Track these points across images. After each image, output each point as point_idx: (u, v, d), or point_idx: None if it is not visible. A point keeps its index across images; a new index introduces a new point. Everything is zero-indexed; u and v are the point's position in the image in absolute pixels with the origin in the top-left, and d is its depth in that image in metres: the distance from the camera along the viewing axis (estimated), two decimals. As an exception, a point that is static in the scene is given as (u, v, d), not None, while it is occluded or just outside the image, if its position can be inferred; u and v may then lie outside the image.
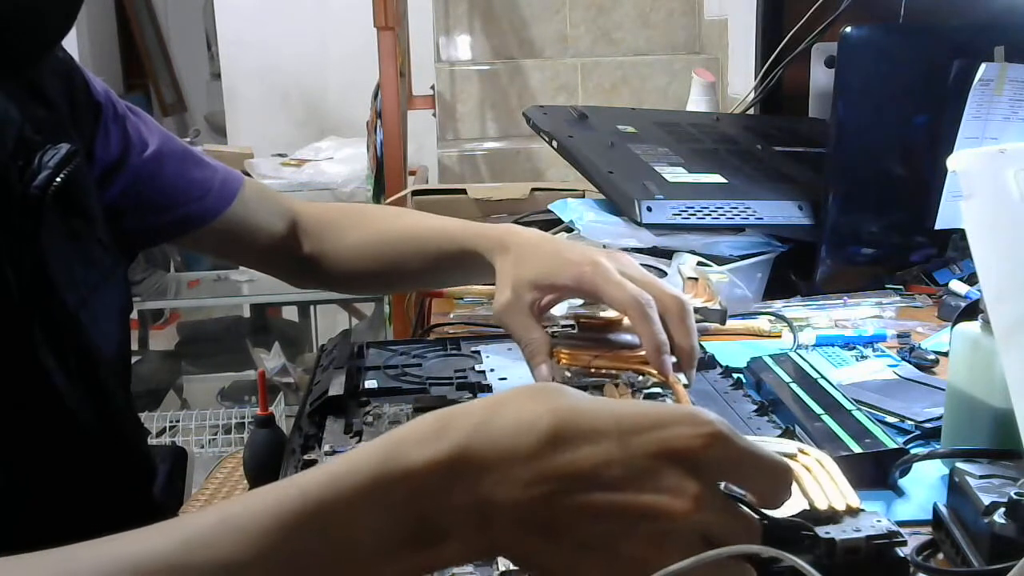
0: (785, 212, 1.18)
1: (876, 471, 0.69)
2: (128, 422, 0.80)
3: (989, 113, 1.11)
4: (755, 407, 0.78)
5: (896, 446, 0.70)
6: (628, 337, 0.83)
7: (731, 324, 1.01)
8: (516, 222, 1.15)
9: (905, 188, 1.17)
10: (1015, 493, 0.55)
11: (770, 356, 0.87)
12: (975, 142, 1.11)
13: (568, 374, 0.81)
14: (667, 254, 1.12)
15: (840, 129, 1.12)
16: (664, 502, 0.42)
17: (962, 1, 1.38)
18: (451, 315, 1.13)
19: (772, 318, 1.06)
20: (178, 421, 2.65)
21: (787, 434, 0.71)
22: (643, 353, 0.77)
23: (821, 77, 1.59)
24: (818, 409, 0.76)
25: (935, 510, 0.61)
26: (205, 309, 3.50)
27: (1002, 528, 0.55)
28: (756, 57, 1.85)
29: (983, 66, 1.09)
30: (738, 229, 1.16)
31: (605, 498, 0.42)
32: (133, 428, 0.81)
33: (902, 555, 0.54)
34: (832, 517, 0.55)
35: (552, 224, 1.26)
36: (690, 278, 1.04)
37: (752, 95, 1.78)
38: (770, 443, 0.64)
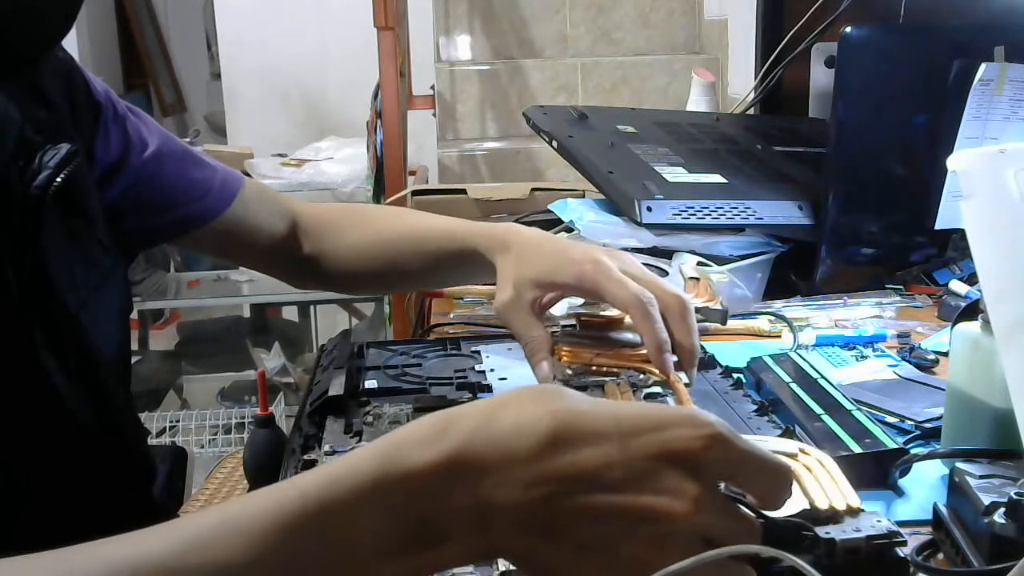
0: (785, 212, 1.18)
1: (876, 471, 0.69)
2: (128, 422, 0.80)
3: (989, 113, 1.11)
4: (755, 407, 0.78)
5: (896, 446, 0.70)
6: (629, 336, 0.83)
7: (731, 324, 1.01)
8: (516, 222, 1.15)
9: (905, 188, 1.17)
10: (1015, 493, 0.55)
11: (770, 356, 0.87)
12: (975, 142, 1.11)
13: (569, 372, 0.81)
14: (667, 254, 1.12)
15: (840, 129, 1.12)
16: (664, 503, 0.42)
17: (962, 1, 1.38)
18: (451, 315, 1.13)
19: (772, 318, 1.06)
20: (178, 421, 2.65)
21: (787, 434, 0.71)
22: (644, 352, 0.77)
23: (821, 77, 1.59)
24: (818, 409, 0.76)
25: (935, 510, 0.61)
26: (205, 309, 3.50)
27: (1002, 528, 0.55)
28: (756, 57, 1.85)
29: (983, 66, 1.09)
30: (738, 229, 1.16)
31: (605, 499, 0.42)
32: (133, 428, 0.81)
33: (902, 555, 0.55)
34: (832, 517, 0.55)
35: (552, 224, 1.26)
36: (691, 278, 1.04)
37: (752, 95, 1.78)
38: (771, 443, 0.64)
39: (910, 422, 0.79)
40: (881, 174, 1.16)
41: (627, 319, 0.82)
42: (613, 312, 0.84)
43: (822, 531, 0.54)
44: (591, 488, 0.42)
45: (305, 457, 0.70)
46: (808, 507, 0.55)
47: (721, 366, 0.87)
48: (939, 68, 1.12)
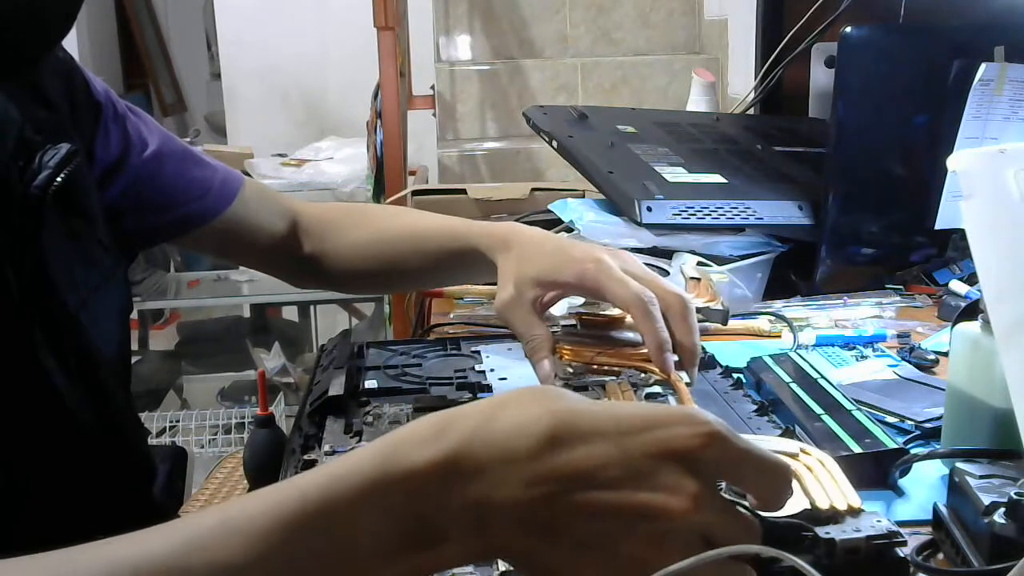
0: (785, 212, 1.18)
1: (876, 471, 0.69)
2: (128, 422, 0.80)
3: (989, 113, 1.11)
4: (755, 407, 0.78)
5: (896, 446, 0.70)
6: (630, 335, 0.83)
7: (731, 324, 1.01)
8: (517, 222, 1.15)
9: (905, 188, 1.17)
10: (1015, 493, 0.55)
11: (770, 356, 0.87)
12: (975, 142, 1.11)
13: (570, 370, 0.81)
14: (667, 254, 1.12)
15: (840, 129, 1.12)
16: (662, 500, 0.42)
17: (962, 1, 1.38)
18: (451, 315, 1.13)
19: (772, 318, 1.06)
20: (178, 421, 2.66)
21: (787, 434, 0.71)
22: (645, 351, 0.77)
23: (821, 77, 1.59)
24: (818, 409, 0.76)
25: (935, 510, 0.61)
26: (205, 309, 3.50)
27: (1002, 528, 0.55)
28: (756, 57, 1.85)
29: (983, 66, 1.09)
30: (738, 229, 1.16)
31: (604, 497, 0.42)
32: (133, 428, 0.81)
33: (902, 555, 0.54)
34: (833, 517, 0.55)
35: (552, 224, 1.26)
36: (692, 278, 1.04)
37: (752, 95, 1.78)
38: (771, 443, 0.64)
39: (910, 422, 0.79)
40: (881, 174, 1.16)
41: (628, 318, 0.82)
42: (614, 311, 0.84)
43: (822, 531, 0.54)
44: (590, 486, 0.42)
45: (305, 457, 0.70)
46: (809, 507, 0.55)
47: (721, 366, 0.87)
48: (939, 68, 1.12)
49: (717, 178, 1.25)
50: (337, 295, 2.83)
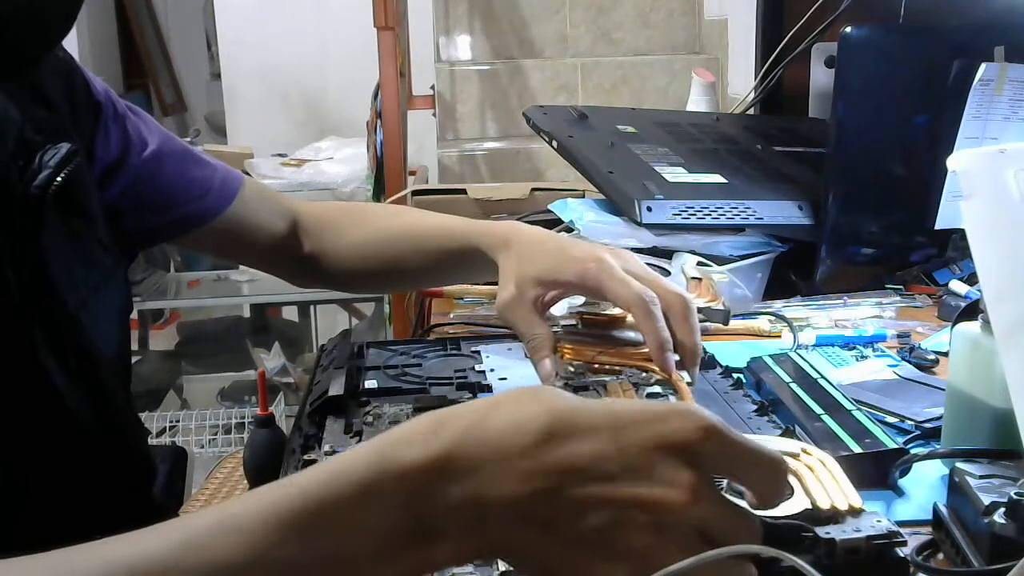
0: (785, 212, 1.18)
1: (876, 471, 0.69)
2: (128, 422, 0.80)
3: (989, 113, 1.11)
4: (755, 407, 0.78)
5: (896, 446, 0.70)
6: (631, 334, 0.83)
7: (731, 324, 1.01)
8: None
9: (905, 188, 1.17)
10: (1015, 493, 0.55)
11: (770, 356, 0.87)
12: (975, 142, 1.11)
13: (571, 369, 0.81)
14: (667, 254, 1.12)
15: (840, 129, 1.12)
16: (660, 493, 0.42)
17: (962, 1, 1.38)
18: (451, 315, 1.13)
19: (772, 318, 1.06)
20: (178, 421, 2.66)
21: (787, 434, 0.71)
22: (646, 350, 0.77)
23: (821, 77, 1.59)
24: (818, 409, 0.76)
25: (935, 510, 0.61)
26: (205, 309, 3.51)
27: (1002, 528, 0.55)
28: (756, 57, 1.85)
29: (983, 66, 1.09)
30: (738, 229, 1.16)
31: (601, 490, 0.42)
32: (133, 428, 0.81)
33: (902, 555, 0.54)
34: (834, 517, 0.55)
35: (552, 224, 1.26)
36: (694, 278, 1.04)
37: (752, 95, 1.78)
38: (773, 443, 0.64)
39: (910, 422, 0.79)
40: (881, 174, 1.16)
41: (629, 318, 0.82)
42: (615, 311, 0.84)
43: (822, 531, 0.54)
44: (587, 480, 0.42)
45: (305, 457, 0.70)
46: (810, 507, 0.55)
47: (721, 366, 0.87)
48: (939, 68, 1.12)
49: (717, 178, 1.25)
50: (337, 295, 2.83)
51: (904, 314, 1.10)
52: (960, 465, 0.61)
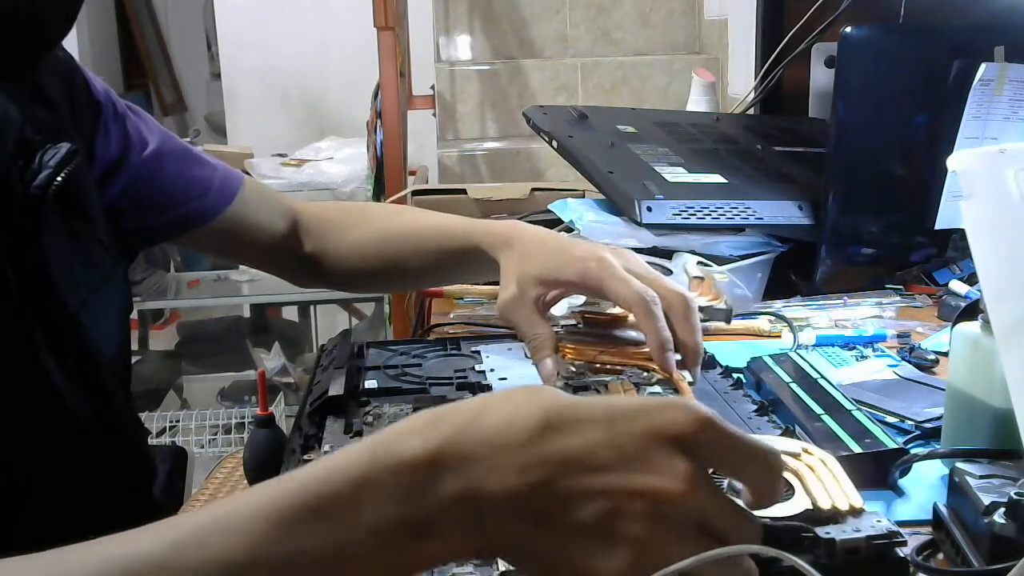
0: (785, 212, 1.18)
1: (876, 471, 0.69)
2: (128, 422, 0.80)
3: (989, 113, 1.11)
4: (755, 407, 0.78)
5: (896, 446, 0.70)
6: (633, 333, 0.83)
7: (731, 324, 1.01)
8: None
9: (905, 188, 1.17)
10: (1015, 493, 0.55)
11: (770, 356, 0.87)
12: (975, 142, 1.11)
13: (573, 369, 0.81)
14: (667, 254, 1.12)
15: (840, 129, 1.12)
16: (657, 482, 0.42)
17: (962, 1, 1.38)
18: (451, 315, 1.13)
19: (772, 318, 1.06)
20: (178, 421, 2.66)
21: (787, 434, 0.71)
22: (648, 350, 0.77)
23: (821, 77, 1.59)
24: (818, 409, 0.76)
25: (935, 510, 0.61)
26: (205, 309, 3.50)
27: (1002, 528, 0.55)
28: (756, 57, 1.85)
29: (983, 66, 1.09)
30: (738, 229, 1.16)
31: (596, 480, 0.42)
32: (133, 428, 0.81)
33: (902, 555, 0.54)
34: (834, 517, 0.55)
35: (552, 224, 1.26)
36: (695, 277, 1.04)
37: (752, 95, 1.78)
38: (774, 443, 0.64)
39: (910, 422, 0.79)
40: (881, 174, 1.16)
41: (631, 317, 0.82)
42: (616, 310, 0.84)
43: (822, 531, 0.54)
44: (581, 471, 0.42)
45: (305, 457, 0.70)
46: (811, 507, 0.55)
47: (721, 366, 0.87)
48: (939, 68, 1.12)
49: (717, 178, 1.25)
50: (337, 295, 2.83)
51: (904, 314, 1.10)
52: (960, 465, 0.61)
